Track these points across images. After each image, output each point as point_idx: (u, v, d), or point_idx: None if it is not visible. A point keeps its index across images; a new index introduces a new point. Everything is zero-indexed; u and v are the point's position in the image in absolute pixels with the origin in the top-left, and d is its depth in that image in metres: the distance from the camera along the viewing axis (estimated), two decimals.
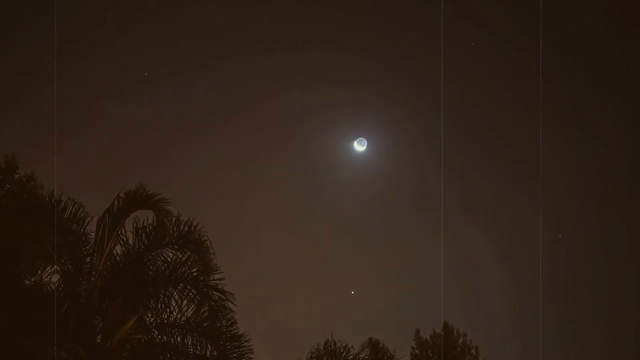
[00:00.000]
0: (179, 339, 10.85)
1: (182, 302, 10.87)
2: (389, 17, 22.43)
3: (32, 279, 10.93)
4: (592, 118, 23.80)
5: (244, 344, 11.14)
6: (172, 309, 10.86)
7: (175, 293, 10.88)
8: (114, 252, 10.73)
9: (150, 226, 10.93)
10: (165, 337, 10.88)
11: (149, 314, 10.91)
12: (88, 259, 10.63)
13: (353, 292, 23.64)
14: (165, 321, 10.87)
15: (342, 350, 13.64)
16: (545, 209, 24.42)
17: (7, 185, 13.15)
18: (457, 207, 24.73)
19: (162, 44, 22.43)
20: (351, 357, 13.80)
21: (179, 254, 11.04)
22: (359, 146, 22.76)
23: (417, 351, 21.81)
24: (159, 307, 10.88)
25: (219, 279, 10.92)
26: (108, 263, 10.61)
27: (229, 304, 10.92)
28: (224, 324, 11.07)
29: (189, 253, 11.00)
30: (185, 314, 10.89)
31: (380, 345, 14.20)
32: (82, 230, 10.89)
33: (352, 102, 23.34)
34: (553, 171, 24.48)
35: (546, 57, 22.71)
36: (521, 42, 22.80)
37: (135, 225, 10.91)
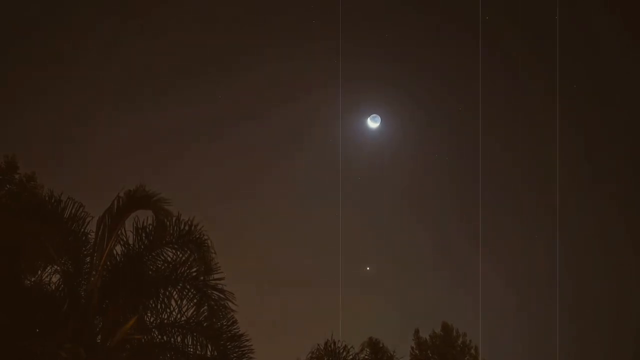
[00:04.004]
0: (179, 338, 10.84)
1: (182, 302, 10.86)
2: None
3: (32, 279, 10.92)
4: (593, 119, 23.84)
5: (244, 343, 11.13)
6: (172, 308, 10.85)
7: (175, 293, 10.86)
8: (114, 252, 10.72)
9: (150, 226, 10.93)
10: (165, 337, 10.87)
11: (149, 314, 10.90)
12: (88, 259, 10.62)
13: (368, 268, 23.69)
14: (165, 321, 10.86)
15: (342, 350, 13.63)
16: (545, 210, 24.46)
17: (8, 185, 13.16)
18: (458, 207, 24.77)
19: (164, 49, 22.52)
20: (351, 357, 13.79)
21: (179, 253, 11.03)
22: (372, 123, 22.80)
23: (417, 351, 21.82)
24: (159, 307, 10.87)
25: (219, 279, 10.92)
26: (108, 263, 10.60)
27: (229, 303, 10.91)
28: (224, 323, 11.06)
29: (189, 252, 10.99)
30: (185, 313, 10.88)
31: (380, 345, 14.19)
32: (82, 230, 10.89)
33: (365, 79, 23.42)
34: (553, 171, 24.48)
35: (546, 58, 22.73)
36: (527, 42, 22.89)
37: (135, 225, 10.92)
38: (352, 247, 24.21)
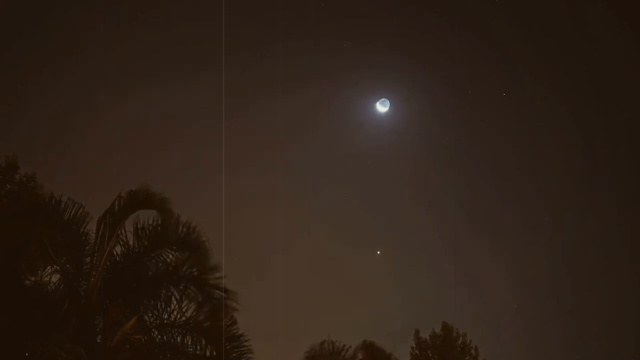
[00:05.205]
0: (178, 338, 10.85)
1: (182, 302, 10.87)
2: None
3: (32, 279, 10.94)
4: (594, 120, 23.85)
5: (244, 343, 11.14)
6: (172, 308, 10.87)
7: (175, 293, 10.88)
8: (114, 252, 10.73)
9: (150, 226, 10.94)
10: (165, 337, 10.88)
11: (149, 314, 10.91)
12: (88, 259, 10.64)
13: (379, 252, 23.67)
14: (165, 321, 10.87)
15: (339, 350, 13.55)
16: (546, 209, 24.46)
17: (8, 185, 13.20)
18: (458, 208, 24.76)
19: (163, 46, 22.51)
20: (348, 357, 13.70)
21: (178, 254, 11.04)
22: (382, 107, 22.79)
23: (417, 351, 21.82)
24: (159, 307, 10.88)
25: (220, 278, 10.93)
26: (108, 263, 10.61)
27: (229, 303, 10.91)
28: (224, 323, 11.07)
29: (188, 253, 11.00)
30: (185, 314, 10.89)
31: (376, 347, 14.08)
32: (82, 230, 10.90)
33: (374, 64, 23.39)
34: (554, 171, 24.51)
35: (548, 59, 22.75)
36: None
37: (135, 225, 10.93)
38: (358, 235, 24.24)
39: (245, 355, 11.11)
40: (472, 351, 21.61)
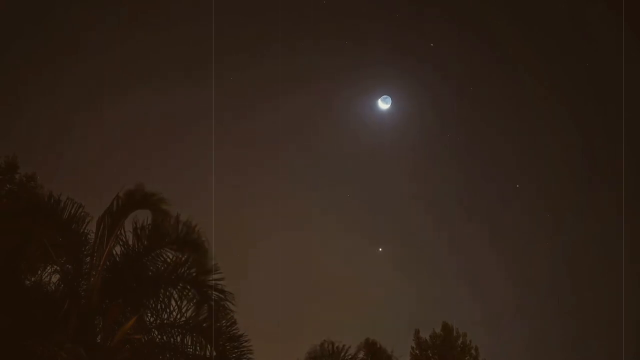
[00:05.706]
0: (178, 339, 10.85)
1: (181, 302, 10.88)
2: None
3: (32, 279, 10.95)
4: (594, 120, 23.84)
5: (244, 344, 11.16)
6: (171, 309, 10.87)
7: (174, 293, 10.88)
8: (114, 252, 10.74)
9: (150, 226, 10.95)
10: (165, 337, 10.88)
11: (149, 314, 10.92)
12: (88, 259, 10.64)
13: (381, 249, 23.64)
14: (165, 321, 10.87)
15: (339, 351, 13.56)
16: (546, 209, 24.45)
17: (8, 185, 13.19)
18: (459, 207, 24.75)
19: (163, 46, 22.50)
20: (349, 357, 13.72)
21: (178, 254, 11.05)
22: (383, 104, 22.78)
23: (417, 351, 21.81)
24: (158, 307, 10.89)
25: (218, 279, 10.94)
26: (108, 263, 10.62)
27: (229, 303, 10.93)
28: (224, 324, 11.08)
29: (188, 253, 11.00)
30: (185, 314, 10.90)
31: (378, 346, 14.10)
32: (82, 230, 10.91)
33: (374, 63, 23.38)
34: (554, 171, 24.51)
35: (548, 59, 22.74)
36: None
37: (134, 225, 10.93)
38: (358, 234, 24.22)
39: (245, 356, 11.12)
40: (472, 351, 21.59)
